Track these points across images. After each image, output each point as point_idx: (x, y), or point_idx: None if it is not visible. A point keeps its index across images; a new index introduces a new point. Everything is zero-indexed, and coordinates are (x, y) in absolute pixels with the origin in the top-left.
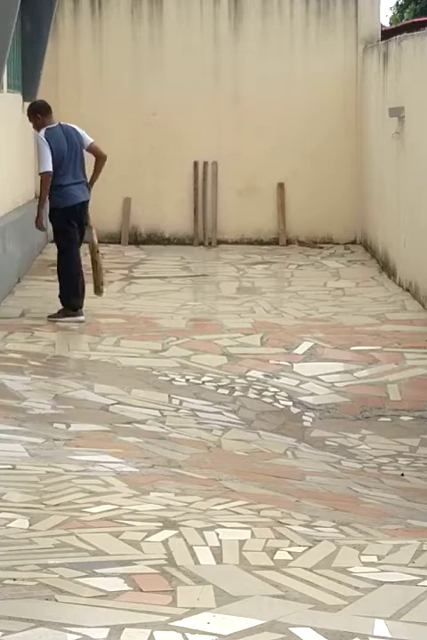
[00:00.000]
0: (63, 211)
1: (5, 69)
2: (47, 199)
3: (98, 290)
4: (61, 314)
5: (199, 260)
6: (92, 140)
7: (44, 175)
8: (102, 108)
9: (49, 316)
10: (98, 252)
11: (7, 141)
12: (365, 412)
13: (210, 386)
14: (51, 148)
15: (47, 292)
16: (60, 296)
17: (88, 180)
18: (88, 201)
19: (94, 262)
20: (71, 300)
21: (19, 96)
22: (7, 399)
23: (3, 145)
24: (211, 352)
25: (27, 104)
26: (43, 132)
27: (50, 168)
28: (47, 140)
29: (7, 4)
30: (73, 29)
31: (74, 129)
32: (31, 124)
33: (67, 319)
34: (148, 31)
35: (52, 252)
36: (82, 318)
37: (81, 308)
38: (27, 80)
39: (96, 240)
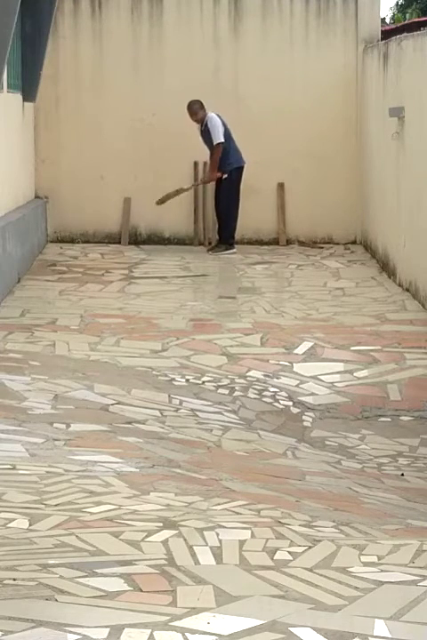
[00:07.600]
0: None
1: (5, 69)
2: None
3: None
4: (222, 247)
5: (199, 260)
6: None
7: (219, 145)
8: (102, 108)
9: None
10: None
11: (7, 141)
12: (365, 412)
13: (210, 386)
14: (224, 125)
15: (47, 291)
16: (223, 233)
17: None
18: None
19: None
20: (233, 233)
21: (19, 96)
22: (7, 399)
23: (3, 145)
24: (211, 352)
25: (27, 104)
26: (214, 114)
27: (223, 139)
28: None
29: (7, 4)
30: (73, 29)
31: None
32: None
33: (226, 252)
34: (148, 31)
35: (51, 251)
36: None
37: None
38: (27, 80)
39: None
